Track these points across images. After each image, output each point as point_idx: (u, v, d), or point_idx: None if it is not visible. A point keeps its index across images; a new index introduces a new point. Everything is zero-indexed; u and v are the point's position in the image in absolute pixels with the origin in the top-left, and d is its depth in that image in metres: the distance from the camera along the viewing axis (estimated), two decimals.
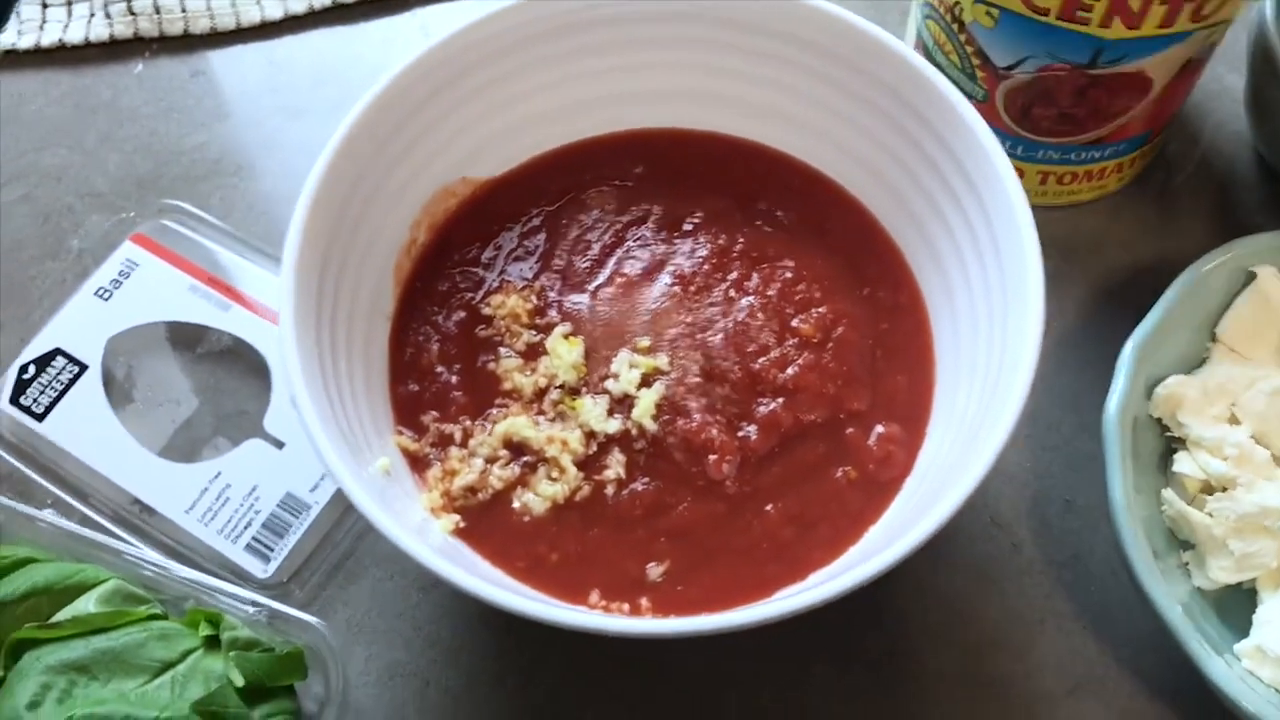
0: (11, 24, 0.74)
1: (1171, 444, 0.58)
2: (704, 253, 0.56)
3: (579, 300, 0.56)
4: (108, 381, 0.61)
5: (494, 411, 0.53)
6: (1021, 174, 0.64)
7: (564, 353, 0.54)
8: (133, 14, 0.74)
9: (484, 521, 0.51)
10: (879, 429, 0.53)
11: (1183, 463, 0.56)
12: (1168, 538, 0.56)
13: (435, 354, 0.54)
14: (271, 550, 0.57)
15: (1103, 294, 0.65)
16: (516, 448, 0.52)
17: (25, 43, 0.73)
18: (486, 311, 0.56)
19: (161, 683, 0.48)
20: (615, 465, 0.52)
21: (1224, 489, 0.55)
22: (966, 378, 0.51)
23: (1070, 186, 0.66)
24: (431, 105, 0.55)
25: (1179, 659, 0.51)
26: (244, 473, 0.58)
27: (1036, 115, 0.61)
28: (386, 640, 0.56)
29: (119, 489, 0.58)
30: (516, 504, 0.51)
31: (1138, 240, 0.67)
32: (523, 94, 0.58)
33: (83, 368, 0.61)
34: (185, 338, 0.63)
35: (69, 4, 0.75)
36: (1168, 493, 0.56)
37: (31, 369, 0.60)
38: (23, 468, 0.58)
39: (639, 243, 0.57)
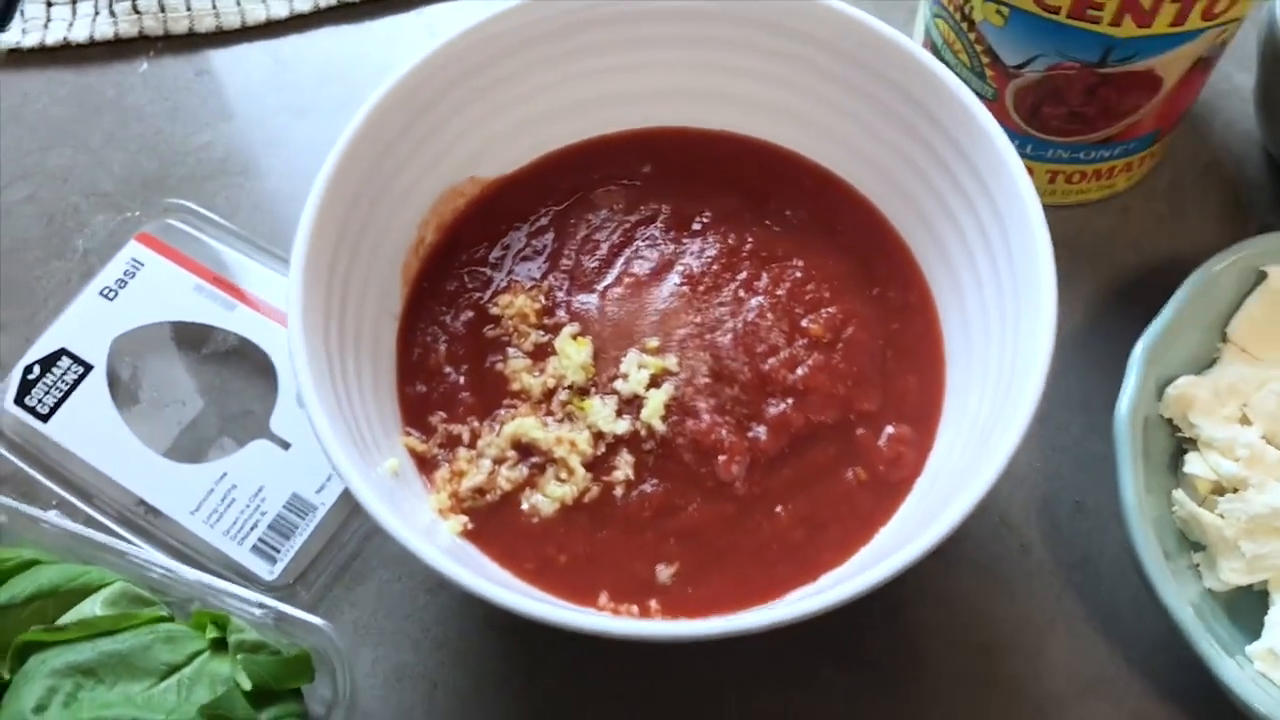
0: (16, 22, 0.74)
1: (1182, 444, 0.57)
2: (713, 252, 0.56)
3: (587, 300, 0.55)
4: (113, 382, 0.61)
5: (502, 412, 0.53)
6: (1030, 173, 0.63)
7: (572, 353, 0.53)
8: (137, 12, 0.73)
9: (492, 523, 0.51)
10: (889, 430, 0.53)
11: (1194, 463, 0.56)
12: (1178, 539, 0.55)
13: (443, 354, 0.54)
14: (278, 552, 0.56)
15: (1111, 293, 0.65)
16: (525, 449, 0.52)
17: (29, 41, 0.73)
18: (494, 311, 0.55)
19: (168, 686, 0.48)
20: (624, 466, 0.51)
21: (1235, 490, 0.55)
22: (978, 379, 0.51)
23: (1079, 185, 0.66)
24: (439, 105, 0.55)
25: (1190, 661, 0.51)
26: (250, 474, 0.58)
27: (1046, 114, 0.61)
28: (394, 642, 0.55)
29: (124, 490, 0.58)
30: (525, 505, 0.51)
31: (1147, 239, 0.67)
32: (530, 93, 0.58)
33: (88, 368, 0.61)
34: (191, 338, 0.62)
35: (73, 2, 0.74)
36: (1178, 494, 0.55)
37: (36, 369, 0.60)
38: (27, 469, 0.58)
39: (648, 242, 0.57)
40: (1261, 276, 0.59)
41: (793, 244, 0.57)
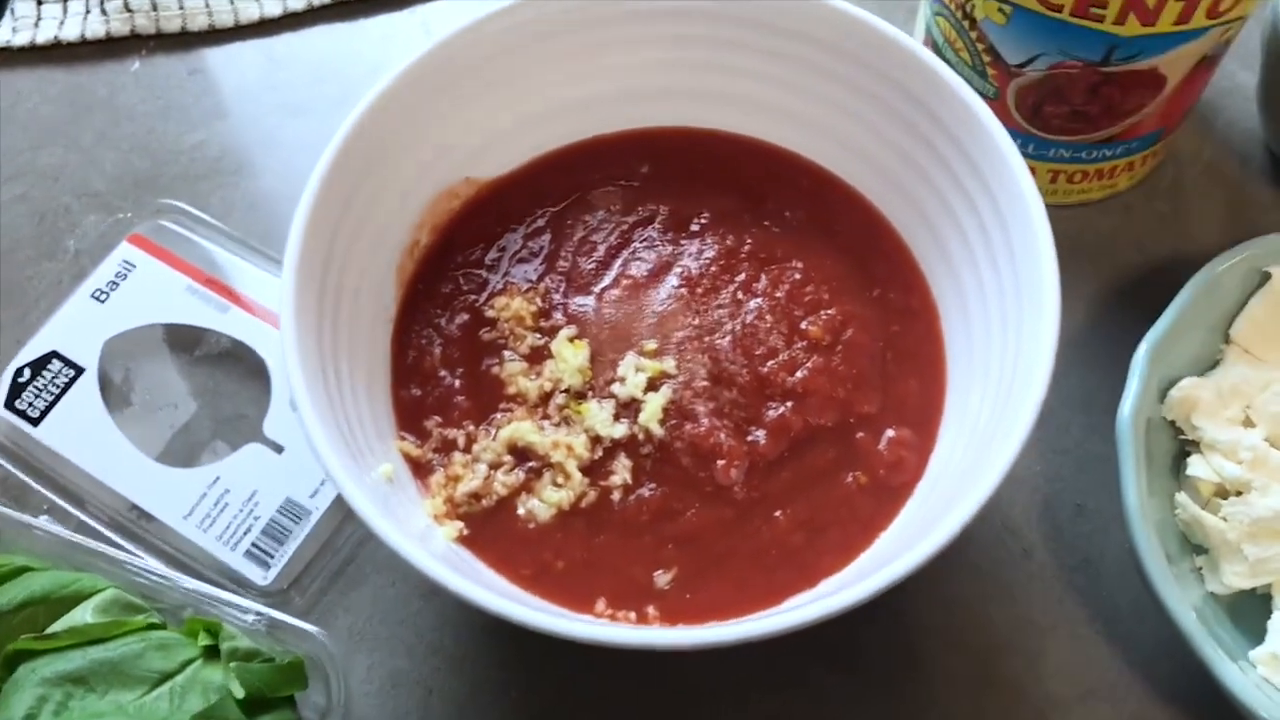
0: (6, 21, 0.73)
1: (1185, 447, 0.57)
2: (711, 254, 0.56)
3: (584, 302, 0.55)
4: (104, 385, 0.60)
5: (498, 416, 0.52)
6: (1032, 172, 0.63)
7: (569, 356, 0.53)
8: (129, 11, 0.73)
9: (488, 528, 0.50)
10: (890, 433, 0.52)
11: (1196, 466, 0.55)
12: (1181, 542, 0.55)
13: (438, 357, 0.54)
14: (271, 557, 0.56)
15: (1113, 294, 0.65)
16: (521, 453, 0.51)
17: (20, 40, 0.72)
18: (490, 314, 0.55)
19: (160, 694, 0.47)
20: (621, 471, 0.51)
21: (1238, 493, 0.54)
22: (979, 381, 0.51)
23: (1081, 185, 0.65)
24: (433, 105, 0.55)
25: (1192, 665, 0.50)
26: (243, 478, 0.57)
27: (1048, 113, 0.60)
28: (389, 648, 0.55)
29: (116, 495, 0.57)
30: (521, 510, 0.50)
31: (1149, 239, 0.66)
32: (526, 92, 0.58)
33: (79, 371, 0.60)
34: (183, 340, 0.62)
35: (64, 1, 0.74)
36: (1181, 496, 0.55)
37: (27, 372, 0.59)
38: (18, 473, 0.57)
39: (645, 244, 0.57)
40: (1265, 277, 0.58)
41: (792, 245, 0.56)
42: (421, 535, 0.48)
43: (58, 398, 0.59)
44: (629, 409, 0.52)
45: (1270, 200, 0.68)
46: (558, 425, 0.52)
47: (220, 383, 0.61)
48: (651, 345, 0.53)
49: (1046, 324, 0.46)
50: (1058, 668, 0.55)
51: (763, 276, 0.55)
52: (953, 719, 0.54)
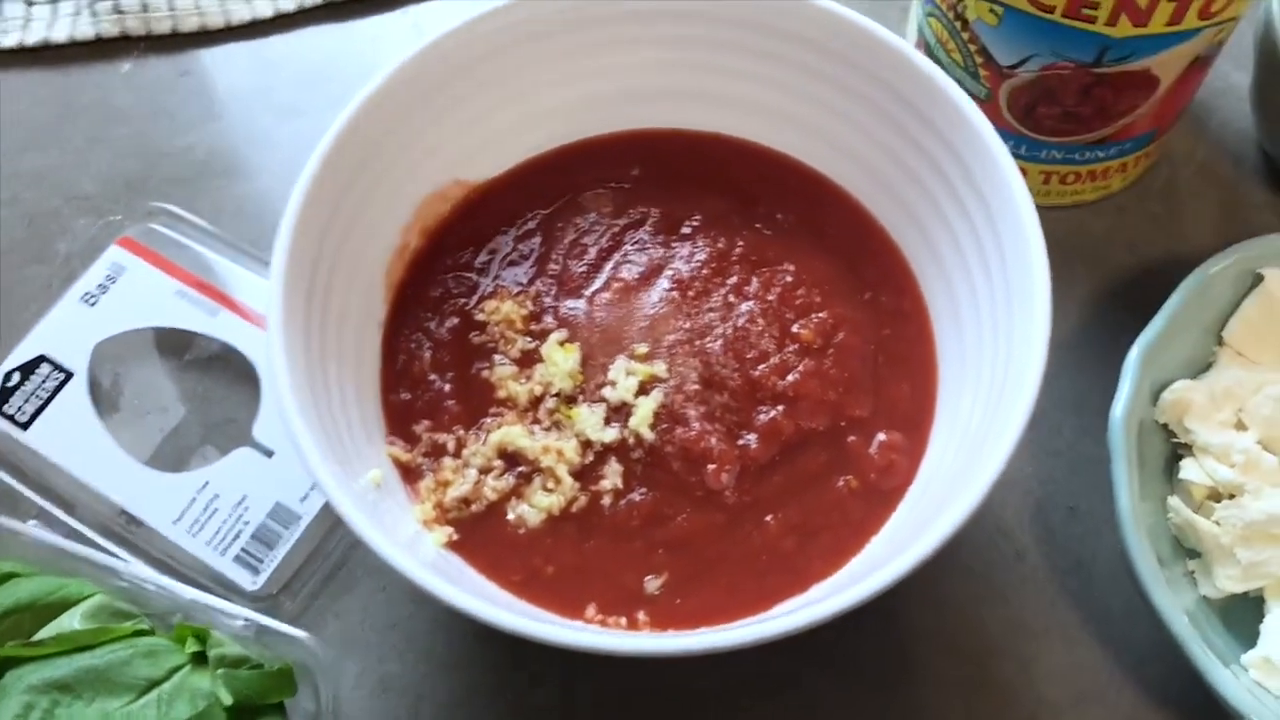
0: None
1: (1177, 450, 0.57)
2: (702, 256, 0.55)
3: (575, 306, 0.55)
4: (94, 389, 0.60)
5: (488, 421, 0.52)
6: (1024, 174, 0.63)
7: (560, 360, 0.53)
8: (119, 12, 0.72)
9: (478, 534, 0.50)
10: (881, 437, 0.52)
11: (1189, 469, 0.55)
12: (1174, 545, 0.55)
13: (428, 361, 0.53)
14: (261, 562, 0.55)
15: (1106, 295, 0.65)
16: (511, 458, 0.51)
17: (9, 41, 0.72)
18: (480, 318, 0.55)
19: (147, 701, 0.47)
20: (612, 475, 0.51)
21: (1231, 496, 0.54)
22: (971, 384, 0.50)
23: (1074, 186, 0.65)
24: (424, 106, 0.54)
25: (1185, 669, 0.50)
26: (233, 482, 0.57)
27: (1040, 114, 0.60)
28: (379, 653, 0.55)
29: (105, 500, 0.57)
30: (511, 516, 0.50)
31: (1142, 240, 0.66)
32: (516, 94, 0.57)
33: (68, 375, 0.60)
34: (173, 344, 0.61)
35: (54, 2, 0.73)
36: (1174, 500, 0.55)
37: (16, 376, 0.59)
38: (6, 478, 0.57)
39: (636, 246, 0.56)
40: (1258, 279, 0.58)
41: (783, 248, 0.56)
42: (410, 541, 0.48)
43: (47, 402, 0.59)
44: (620, 413, 0.52)
45: (1264, 201, 0.68)
46: (548, 430, 0.52)
47: (210, 387, 0.61)
48: (643, 349, 0.53)
49: (1037, 328, 0.46)
50: (1050, 671, 0.55)
51: (754, 279, 0.55)
52: None
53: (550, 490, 0.50)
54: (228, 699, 0.47)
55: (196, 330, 0.61)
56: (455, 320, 0.54)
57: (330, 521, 0.56)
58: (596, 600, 0.49)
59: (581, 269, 0.56)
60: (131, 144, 0.69)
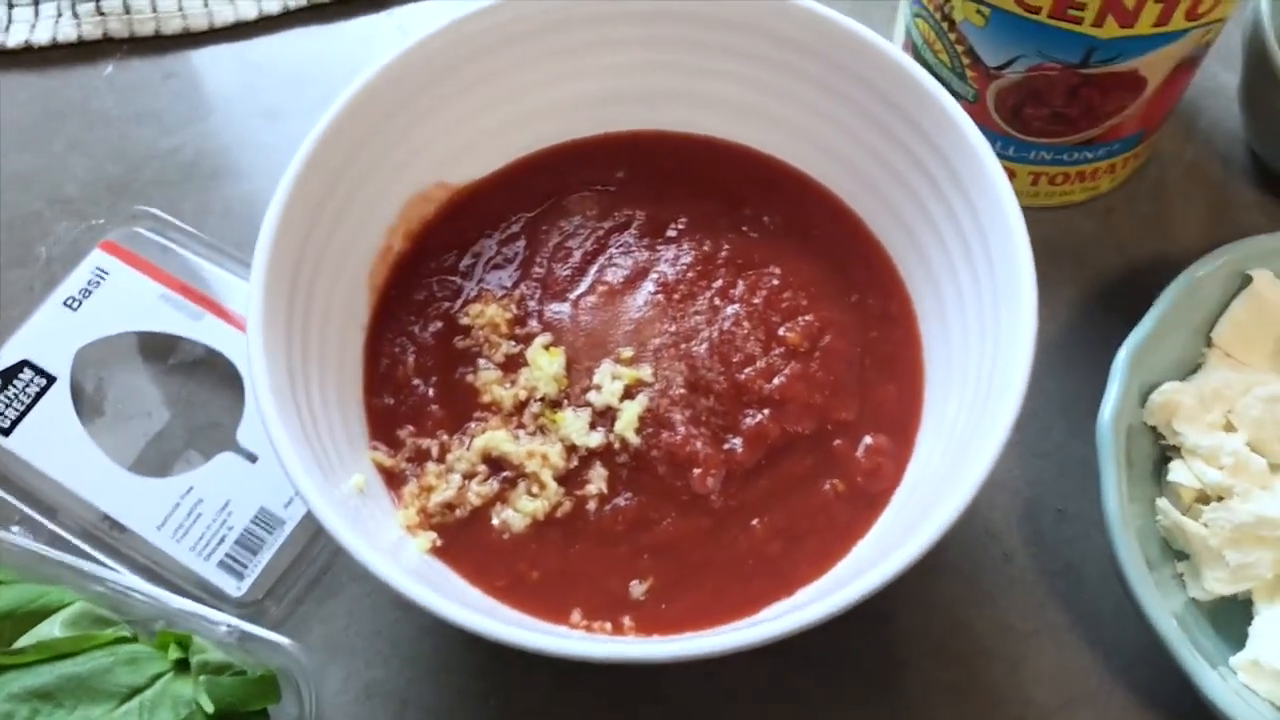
0: None
1: (1166, 452, 0.56)
2: (688, 259, 0.55)
3: (560, 309, 0.54)
4: (77, 394, 0.59)
5: (472, 425, 0.52)
6: (1013, 175, 0.63)
7: (544, 364, 0.52)
8: (101, 14, 0.72)
9: (462, 539, 0.50)
10: (867, 440, 0.52)
11: (1178, 471, 0.55)
12: (1162, 548, 0.54)
13: (411, 366, 0.53)
14: (245, 567, 0.55)
15: (1095, 296, 0.64)
16: (495, 463, 0.51)
17: None
18: (464, 321, 0.54)
19: (129, 709, 0.46)
20: (597, 480, 0.50)
21: (1220, 498, 0.54)
22: (957, 388, 0.50)
23: (1062, 187, 0.65)
24: (408, 108, 0.54)
25: (1173, 672, 0.50)
26: (217, 487, 0.57)
27: (1028, 115, 0.60)
28: (364, 659, 0.54)
29: (88, 505, 0.56)
30: (495, 521, 0.50)
31: (1131, 241, 0.66)
32: (502, 96, 0.57)
33: (51, 380, 0.59)
34: (156, 348, 0.61)
35: (35, 4, 0.73)
36: (1162, 502, 0.54)
37: None
38: None
39: (621, 249, 0.56)
40: (1246, 280, 0.58)
41: (769, 250, 0.56)
42: (394, 547, 0.48)
43: (29, 407, 0.58)
44: (605, 417, 0.51)
45: (1252, 201, 0.68)
46: (533, 434, 0.51)
47: (194, 391, 0.60)
48: (628, 353, 0.53)
49: (1024, 330, 0.46)
50: (1039, 673, 0.55)
51: (740, 282, 0.54)
52: None
53: (535, 495, 0.50)
54: (210, 706, 0.47)
55: (180, 334, 0.61)
56: (439, 324, 0.54)
57: (315, 527, 0.56)
58: (581, 605, 0.48)
59: (566, 272, 0.55)
60: (114, 147, 0.69)
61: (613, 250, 0.56)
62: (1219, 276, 0.58)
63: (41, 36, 0.72)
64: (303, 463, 0.43)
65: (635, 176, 0.59)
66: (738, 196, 0.58)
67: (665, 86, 0.58)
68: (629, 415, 0.51)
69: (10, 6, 0.73)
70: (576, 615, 0.48)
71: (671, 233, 0.56)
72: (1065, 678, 0.55)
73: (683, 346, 0.53)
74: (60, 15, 0.72)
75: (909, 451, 0.52)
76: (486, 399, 0.52)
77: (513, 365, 0.53)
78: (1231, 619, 0.53)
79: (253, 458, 0.58)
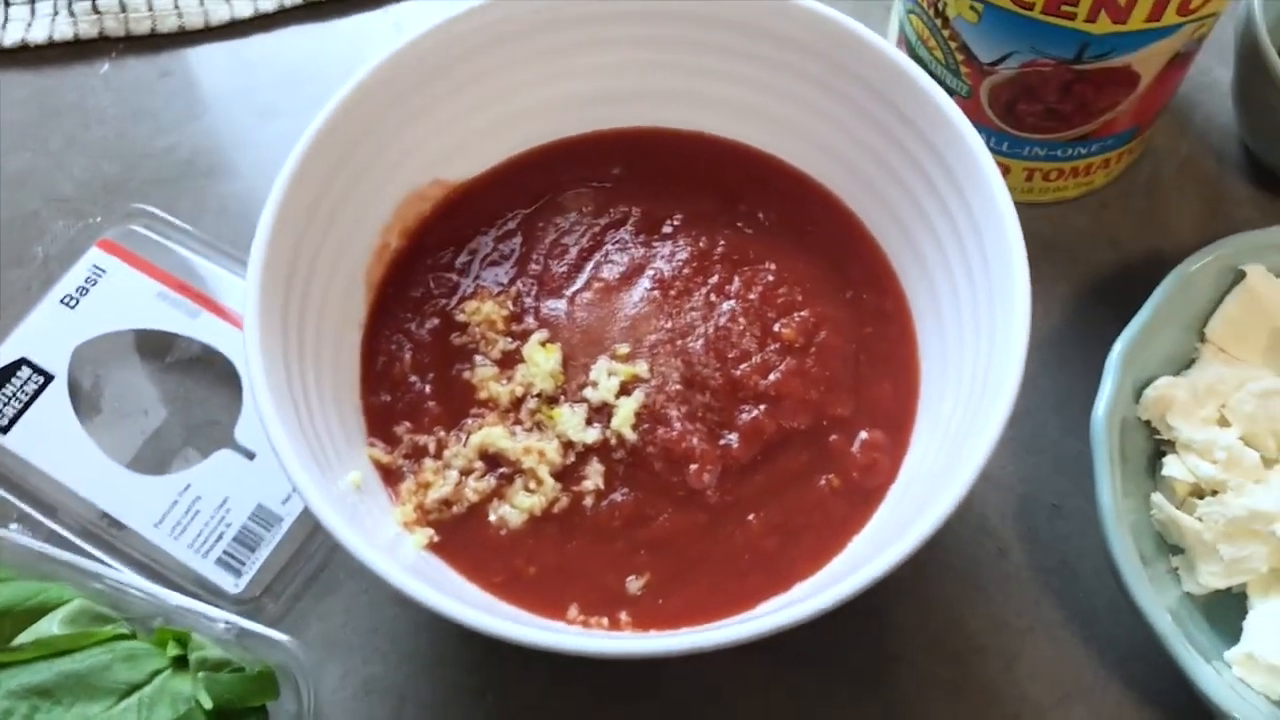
0: None
1: (1160, 447, 0.57)
2: (684, 256, 0.55)
3: (556, 306, 0.54)
4: (74, 392, 0.59)
5: (469, 422, 0.52)
6: (1007, 171, 0.64)
7: (541, 360, 0.52)
8: (97, 13, 0.72)
9: (459, 535, 0.50)
10: (863, 435, 0.52)
11: (1172, 466, 0.55)
12: (1157, 542, 0.55)
13: (408, 362, 0.53)
14: (243, 564, 0.55)
15: (1089, 292, 0.65)
16: (492, 459, 0.51)
17: None
18: (461, 318, 0.54)
19: (128, 706, 0.46)
20: (594, 476, 0.50)
21: (1214, 493, 0.54)
22: (952, 383, 0.50)
23: (1056, 183, 0.65)
24: (403, 105, 0.54)
25: (1168, 667, 0.50)
26: (214, 484, 0.57)
27: (1022, 111, 0.60)
28: (362, 655, 0.54)
29: (86, 503, 0.56)
30: (492, 517, 0.50)
31: (1125, 237, 0.66)
32: (497, 93, 0.57)
33: (48, 378, 0.59)
34: (154, 346, 0.61)
35: (32, 2, 0.73)
36: (1157, 497, 0.55)
37: None
38: None
39: (617, 246, 0.56)
40: (1240, 275, 0.58)
41: (764, 247, 0.56)
42: (391, 544, 0.48)
43: (27, 405, 0.59)
44: (601, 413, 0.51)
45: (1246, 196, 0.68)
46: (529, 430, 0.51)
47: (191, 389, 0.60)
48: (624, 349, 0.53)
49: (1018, 327, 0.46)
50: (1034, 670, 0.55)
51: (736, 279, 0.54)
52: None
53: (532, 491, 0.50)
54: (208, 703, 0.47)
55: (177, 332, 0.61)
56: (436, 321, 0.54)
57: (312, 524, 0.56)
58: (579, 601, 0.49)
59: (562, 269, 0.56)
60: (111, 145, 0.69)
61: (609, 247, 0.56)
62: (1212, 272, 0.58)
63: (38, 35, 0.72)
64: (300, 460, 0.44)
65: (631, 173, 0.59)
66: (734, 193, 0.58)
67: (659, 85, 0.58)
68: (625, 411, 0.51)
69: (6, 5, 0.73)
70: (573, 611, 0.48)
71: (667, 229, 0.56)
72: (1060, 673, 0.55)
73: (679, 342, 0.53)
74: (56, 13, 0.72)
75: (904, 447, 0.52)
76: (483, 395, 0.52)
77: (509, 362, 0.53)
78: (1226, 613, 0.53)
79: (250, 455, 0.58)
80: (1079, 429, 0.56)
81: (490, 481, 0.51)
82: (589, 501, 0.50)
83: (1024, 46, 0.56)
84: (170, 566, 0.55)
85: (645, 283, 0.55)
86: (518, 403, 0.52)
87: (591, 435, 0.51)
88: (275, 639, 0.51)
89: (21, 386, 0.59)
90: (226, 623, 0.51)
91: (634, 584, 0.49)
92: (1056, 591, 0.56)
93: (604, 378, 0.52)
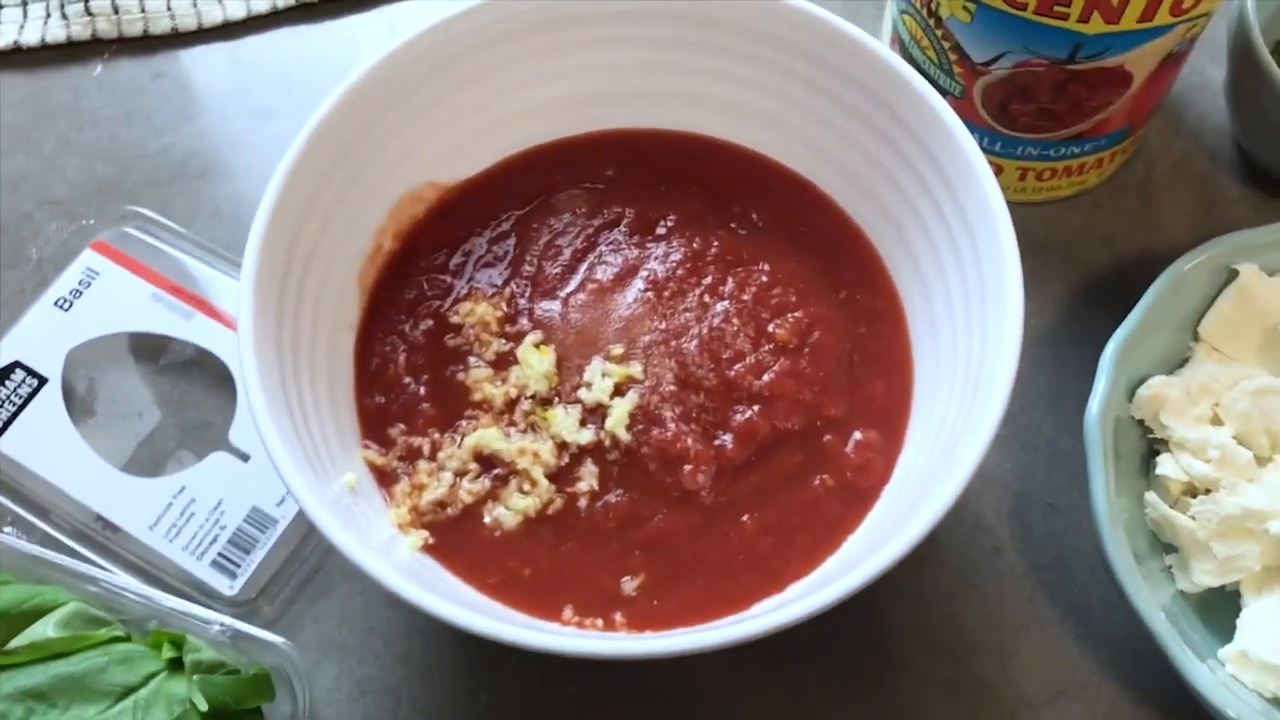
0: None
1: (1154, 445, 0.57)
2: (678, 257, 0.55)
3: (550, 307, 0.54)
4: (68, 395, 0.59)
5: (463, 423, 0.52)
6: (1000, 170, 0.64)
7: (535, 362, 0.52)
8: (90, 14, 0.72)
9: (454, 537, 0.50)
10: (857, 436, 0.52)
11: (1165, 465, 0.55)
12: (1150, 541, 0.55)
13: (402, 364, 0.53)
14: (238, 566, 0.55)
15: (1083, 291, 0.65)
16: (487, 460, 0.51)
17: None
18: (455, 320, 0.54)
19: (123, 708, 0.47)
20: (588, 477, 0.50)
21: (1207, 491, 0.54)
22: (946, 383, 0.50)
23: (1050, 182, 0.65)
24: (397, 107, 0.54)
25: (1162, 664, 0.50)
26: (209, 487, 0.57)
27: (1015, 111, 0.60)
28: (357, 656, 0.54)
29: (81, 506, 0.56)
30: (487, 519, 0.50)
31: (1118, 236, 0.66)
32: (491, 95, 0.57)
33: (42, 381, 0.59)
34: (148, 348, 0.61)
35: (24, 4, 0.73)
36: (1150, 496, 0.55)
37: None
38: None
39: (611, 247, 0.56)
40: (1232, 274, 0.58)
41: (758, 247, 0.56)
42: (386, 546, 0.48)
43: (20, 408, 0.59)
44: (595, 414, 0.52)
45: (1239, 195, 0.68)
46: (524, 432, 0.52)
47: (185, 391, 0.60)
48: (618, 350, 0.53)
49: (1010, 326, 0.46)
50: (1029, 667, 0.55)
51: (729, 279, 0.55)
52: (925, 719, 0.54)
53: (526, 493, 0.50)
54: (204, 705, 0.47)
55: (171, 334, 0.61)
56: (430, 323, 0.54)
57: (307, 525, 0.56)
58: (574, 602, 0.49)
59: (556, 270, 0.56)
60: (104, 147, 0.69)
61: (602, 248, 0.56)
62: (1205, 271, 0.58)
63: (30, 37, 0.72)
64: (294, 462, 0.44)
65: (624, 174, 0.59)
66: (727, 194, 0.58)
67: (654, 85, 0.58)
68: (619, 412, 0.51)
69: None
70: (568, 612, 0.48)
71: (661, 230, 0.57)
72: (1055, 670, 0.55)
73: (673, 343, 0.53)
74: (49, 16, 0.72)
75: (898, 447, 0.52)
76: (477, 397, 0.52)
77: (503, 363, 0.53)
78: (1219, 611, 0.53)
79: (245, 457, 0.58)
80: (1073, 427, 0.56)
81: (485, 483, 0.51)
82: (583, 503, 0.50)
83: (1017, 47, 0.56)
84: (165, 569, 0.55)
85: (639, 284, 0.55)
86: (512, 404, 0.52)
87: (586, 436, 0.51)
88: (270, 641, 0.51)
89: (15, 389, 0.59)
90: (221, 625, 0.51)
91: (629, 585, 0.49)
92: (1051, 589, 0.57)
93: (598, 379, 0.52)
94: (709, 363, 0.52)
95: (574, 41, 0.57)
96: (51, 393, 0.59)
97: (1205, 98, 0.71)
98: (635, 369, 0.52)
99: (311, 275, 0.51)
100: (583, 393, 0.52)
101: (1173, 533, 0.54)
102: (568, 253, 0.56)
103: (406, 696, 0.54)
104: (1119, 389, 0.56)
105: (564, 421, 0.51)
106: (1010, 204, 0.48)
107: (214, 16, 0.73)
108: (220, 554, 0.56)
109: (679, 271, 0.55)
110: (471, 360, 0.53)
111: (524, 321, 0.54)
